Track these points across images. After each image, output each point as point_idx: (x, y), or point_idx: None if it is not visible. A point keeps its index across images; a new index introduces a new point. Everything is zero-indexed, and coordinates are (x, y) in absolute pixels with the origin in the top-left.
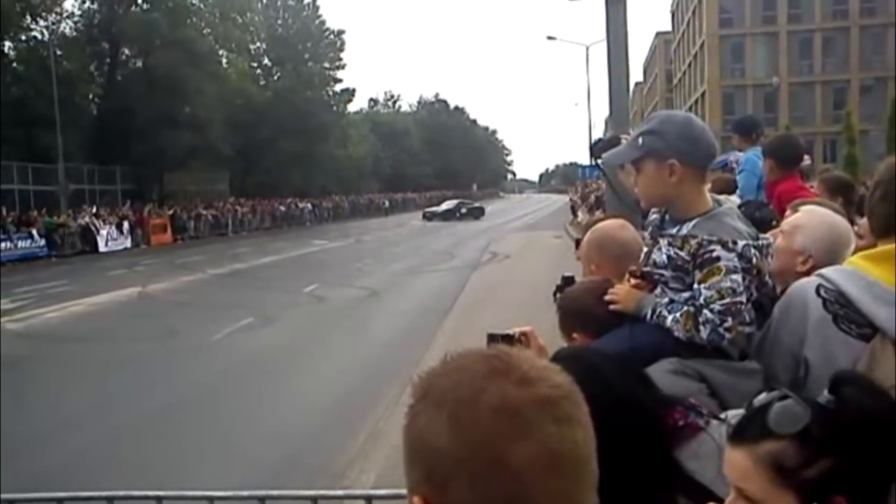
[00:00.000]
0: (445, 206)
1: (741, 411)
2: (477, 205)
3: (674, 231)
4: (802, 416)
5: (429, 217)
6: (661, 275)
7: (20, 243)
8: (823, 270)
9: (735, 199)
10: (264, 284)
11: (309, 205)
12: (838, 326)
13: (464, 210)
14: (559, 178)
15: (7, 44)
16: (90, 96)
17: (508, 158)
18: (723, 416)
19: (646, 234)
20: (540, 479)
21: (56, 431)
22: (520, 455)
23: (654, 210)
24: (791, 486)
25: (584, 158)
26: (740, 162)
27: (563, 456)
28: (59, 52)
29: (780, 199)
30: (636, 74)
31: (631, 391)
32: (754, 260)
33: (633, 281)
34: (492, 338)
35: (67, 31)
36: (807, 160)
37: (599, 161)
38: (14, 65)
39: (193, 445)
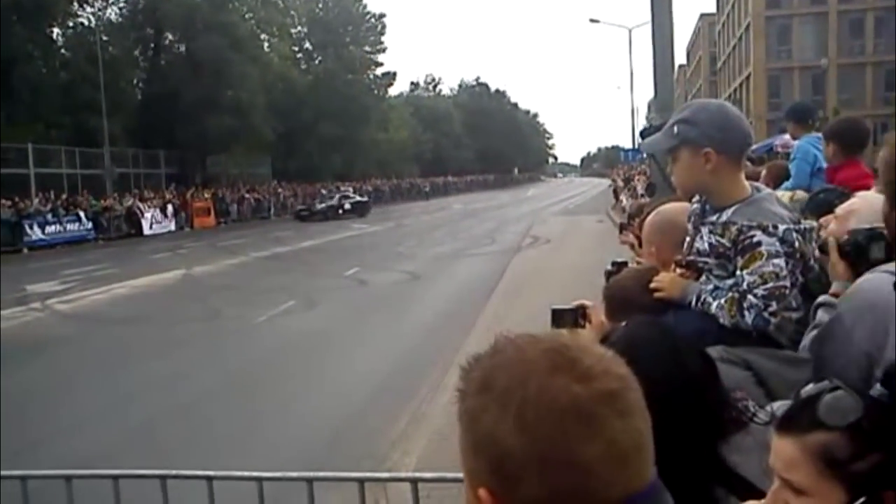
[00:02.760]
0: (325, 203)
1: (787, 403)
2: (362, 199)
3: (714, 218)
4: (854, 409)
5: (304, 217)
6: (705, 262)
7: (68, 227)
8: (890, 266)
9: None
10: (306, 268)
11: (350, 188)
12: None
13: (347, 206)
14: (601, 162)
15: (56, 30)
16: (135, 81)
17: (550, 142)
18: (768, 407)
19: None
20: (608, 471)
21: (106, 411)
22: (589, 452)
23: (695, 199)
24: (839, 479)
25: (627, 142)
26: (788, 146)
27: (629, 447)
28: (104, 38)
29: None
30: (679, 57)
31: (703, 374)
32: (797, 244)
33: (678, 270)
34: (556, 313)
35: (113, 17)
36: None
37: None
38: (62, 51)
39: (237, 427)
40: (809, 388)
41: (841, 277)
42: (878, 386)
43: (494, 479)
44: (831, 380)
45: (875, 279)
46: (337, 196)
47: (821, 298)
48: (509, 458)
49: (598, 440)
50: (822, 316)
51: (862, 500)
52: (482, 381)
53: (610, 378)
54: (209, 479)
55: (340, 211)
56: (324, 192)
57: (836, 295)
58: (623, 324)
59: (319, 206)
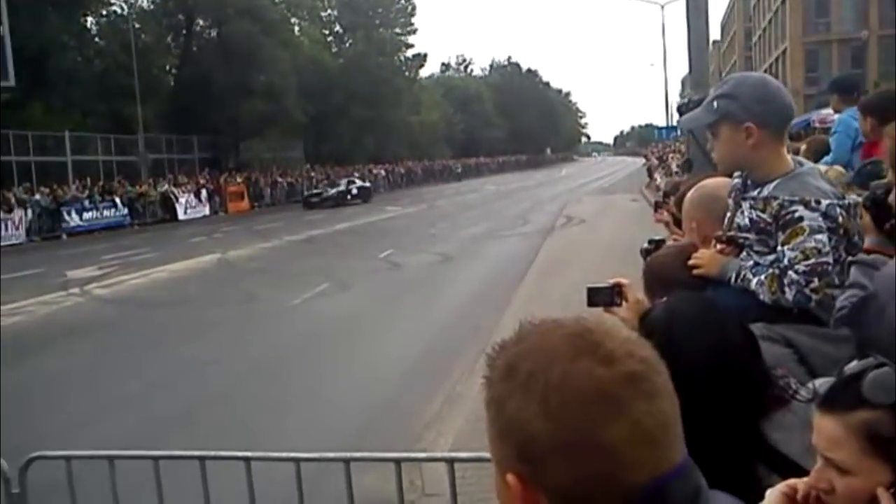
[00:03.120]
0: (335, 189)
1: (829, 380)
2: (365, 185)
3: (755, 193)
4: None
5: (313, 204)
6: (746, 238)
7: (105, 213)
8: None
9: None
10: (340, 251)
11: (382, 171)
12: None
13: (354, 191)
14: (634, 141)
15: (90, 19)
16: (167, 68)
17: (582, 121)
18: (810, 385)
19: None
20: (634, 453)
21: (146, 393)
22: (614, 435)
23: (736, 174)
24: (885, 457)
25: (660, 120)
26: (826, 121)
27: (655, 429)
28: (137, 26)
29: None
30: (714, 33)
31: (745, 350)
32: (840, 219)
33: (718, 246)
34: (592, 291)
35: (144, 4)
36: None
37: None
38: (96, 39)
39: (274, 409)
40: (853, 366)
41: (868, 232)
42: None
43: (522, 464)
44: (876, 357)
45: None
46: (345, 181)
47: (856, 257)
48: (535, 443)
49: (622, 422)
50: (855, 274)
51: None
52: (507, 369)
53: (633, 360)
54: (247, 459)
55: (349, 196)
56: (356, 174)
57: (868, 252)
58: (664, 299)
59: (330, 192)
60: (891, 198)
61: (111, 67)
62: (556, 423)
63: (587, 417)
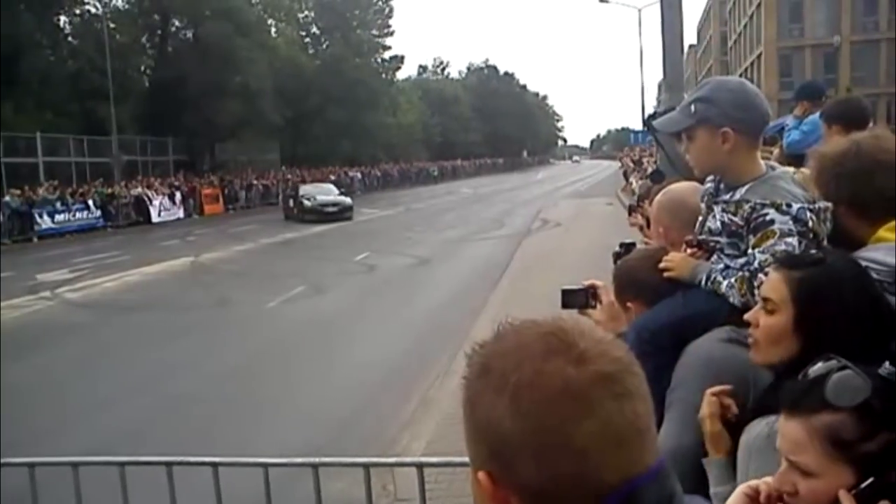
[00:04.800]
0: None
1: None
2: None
3: (727, 197)
4: (862, 389)
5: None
6: (717, 241)
7: (77, 215)
8: (860, 252)
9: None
10: (315, 253)
11: (358, 173)
12: None
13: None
14: (611, 144)
15: (63, 18)
16: (142, 68)
17: (559, 125)
18: None
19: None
20: (604, 454)
21: (115, 398)
22: (583, 434)
23: (709, 178)
24: (847, 460)
25: (637, 123)
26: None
27: (625, 429)
28: (111, 26)
29: None
30: (689, 37)
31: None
32: (810, 223)
33: (689, 249)
34: (566, 293)
35: (120, 3)
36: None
37: (656, 134)
38: (69, 39)
39: (247, 413)
40: (817, 368)
41: None
42: (886, 364)
43: (493, 462)
44: (838, 359)
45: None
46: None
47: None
48: (506, 441)
49: (592, 422)
50: None
51: (870, 480)
52: (482, 368)
53: (605, 361)
54: (214, 465)
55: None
56: (332, 177)
57: None
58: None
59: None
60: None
61: (85, 68)
62: (525, 421)
63: (556, 416)
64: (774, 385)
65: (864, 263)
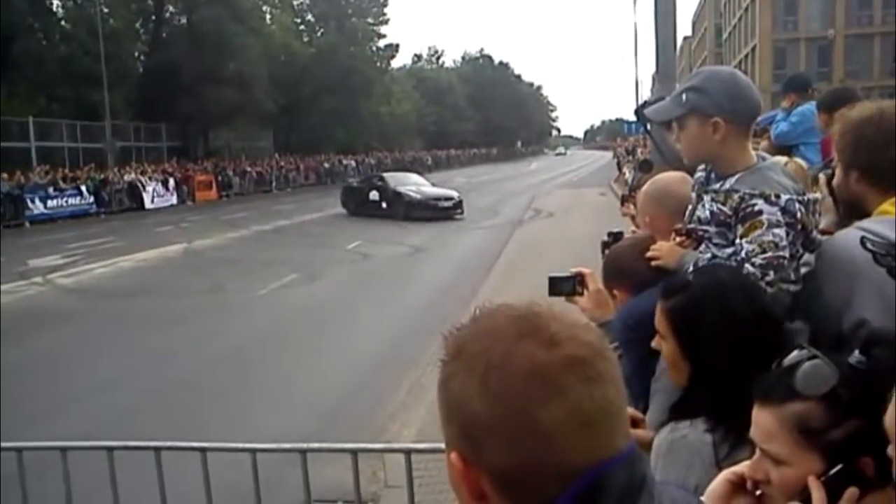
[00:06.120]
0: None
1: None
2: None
3: (717, 187)
4: (830, 378)
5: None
6: (705, 231)
7: (70, 200)
8: (863, 223)
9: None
10: (308, 241)
11: (353, 162)
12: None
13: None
14: (604, 134)
15: (56, 2)
16: (136, 54)
17: (553, 115)
18: None
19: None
20: (572, 436)
21: (107, 384)
22: (551, 416)
23: (700, 168)
24: (816, 447)
25: (630, 114)
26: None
27: (594, 413)
28: (105, 10)
29: None
30: (685, 29)
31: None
32: (799, 215)
33: (677, 238)
34: (553, 280)
35: None
36: None
37: (647, 125)
38: (62, 23)
39: (239, 398)
40: (789, 357)
41: (827, 212)
42: (855, 353)
43: (464, 443)
44: (809, 349)
45: (843, 236)
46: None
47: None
48: (476, 422)
49: (559, 404)
50: (807, 256)
51: (838, 467)
52: (455, 349)
53: (576, 344)
54: (203, 450)
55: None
56: (326, 165)
57: (824, 233)
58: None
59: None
60: (835, 181)
61: (78, 52)
62: (494, 402)
63: (524, 398)
64: (683, 398)
65: (864, 234)
